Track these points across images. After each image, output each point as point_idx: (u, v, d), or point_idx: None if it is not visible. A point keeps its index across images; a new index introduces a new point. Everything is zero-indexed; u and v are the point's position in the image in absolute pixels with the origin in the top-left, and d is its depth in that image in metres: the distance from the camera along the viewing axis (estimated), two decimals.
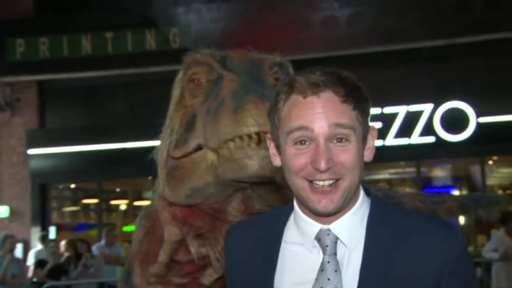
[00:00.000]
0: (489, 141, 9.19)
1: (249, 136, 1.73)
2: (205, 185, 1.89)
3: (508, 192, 11.02)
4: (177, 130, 1.99)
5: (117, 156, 10.42)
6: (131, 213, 12.10)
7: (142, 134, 7.77)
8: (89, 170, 10.83)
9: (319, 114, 1.24)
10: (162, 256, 2.08)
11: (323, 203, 1.26)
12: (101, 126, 11.30)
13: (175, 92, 2.08)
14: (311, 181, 1.26)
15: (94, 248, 8.57)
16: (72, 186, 12.61)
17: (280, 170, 1.36)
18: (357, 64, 9.15)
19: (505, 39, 9.39)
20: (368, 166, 1.37)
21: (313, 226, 1.32)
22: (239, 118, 1.72)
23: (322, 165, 1.22)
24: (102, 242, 8.86)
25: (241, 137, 1.73)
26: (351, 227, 1.31)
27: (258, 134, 1.73)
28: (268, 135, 1.41)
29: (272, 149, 1.37)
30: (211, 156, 1.84)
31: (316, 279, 1.28)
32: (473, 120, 9.24)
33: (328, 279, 1.26)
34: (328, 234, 1.30)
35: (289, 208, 1.40)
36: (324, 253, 1.30)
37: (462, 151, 9.64)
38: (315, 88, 1.25)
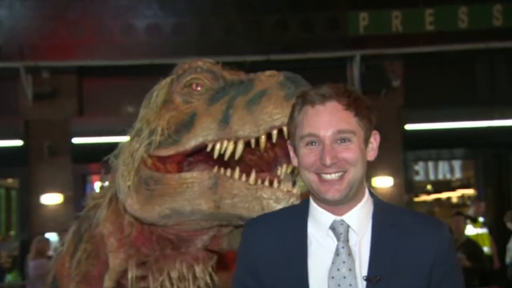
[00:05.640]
0: None
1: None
2: (192, 211, 1.67)
3: None
4: (161, 131, 1.76)
5: None
6: None
7: None
8: None
9: (324, 122, 1.48)
10: (108, 282, 1.93)
11: (331, 193, 1.49)
12: None
13: (157, 99, 1.88)
14: (320, 175, 1.49)
15: None
16: None
17: None
18: None
19: (315, 59, 10.22)
20: None
21: (328, 217, 1.54)
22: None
23: (328, 161, 1.46)
24: None
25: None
26: (360, 218, 1.54)
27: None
28: (289, 142, 1.59)
29: (292, 153, 1.59)
30: (208, 181, 1.62)
31: (333, 262, 1.50)
32: None
33: (343, 262, 1.49)
34: (342, 224, 1.52)
35: (305, 204, 1.61)
36: (338, 239, 1.52)
37: None
38: (322, 98, 1.50)
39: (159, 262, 1.85)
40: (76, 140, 9.65)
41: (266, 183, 1.60)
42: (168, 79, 1.94)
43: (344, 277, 1.48)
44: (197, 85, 1.82)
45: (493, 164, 10.98)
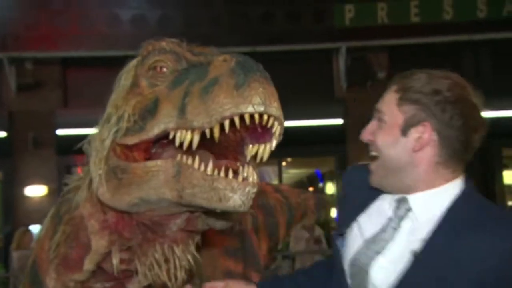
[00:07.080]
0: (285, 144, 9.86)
1: (251, 117, 1.52)
2: (159, 200, 1.66)
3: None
4: (127, 118, 1.74)
5: None
6: None
7: None
8: None
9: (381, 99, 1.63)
10: (88, 266, 1.89)
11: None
12: None
13: (125, 82, 1.86)
14: None
15: None
16: None
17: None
18: None
19: (302, 50, 10.22)
20: None
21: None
22: (243, 94, 1.50)
23: (362, 135, 1.62)
24: None
25: (241, 117, 1.52)
26: (427, 204, 1.53)
27: (261, 116, 1.52)
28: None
29: None
30: (172, 169, 1.61)
31: (379, 230, 1.58)
32: None
33: (384, 232, 1.56)
34: (403, 201, 1.56)
35: None
36: (393, 212, 1.58)
37: None
38: (393, 80, 1.62)
39: (143, 246, 1.83)
40: (60, 132, 9.58)
41: (222, 173, 1.56)
42: (134, 61, 1.91)
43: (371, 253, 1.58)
44: (161, 67, 1.79)
45: (477, 155, 11.06)
